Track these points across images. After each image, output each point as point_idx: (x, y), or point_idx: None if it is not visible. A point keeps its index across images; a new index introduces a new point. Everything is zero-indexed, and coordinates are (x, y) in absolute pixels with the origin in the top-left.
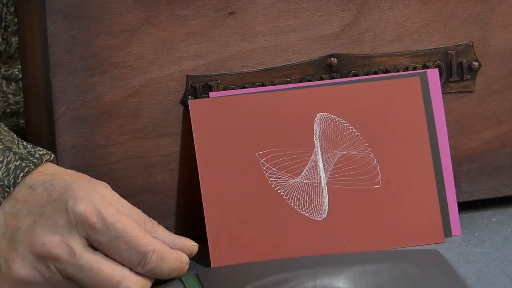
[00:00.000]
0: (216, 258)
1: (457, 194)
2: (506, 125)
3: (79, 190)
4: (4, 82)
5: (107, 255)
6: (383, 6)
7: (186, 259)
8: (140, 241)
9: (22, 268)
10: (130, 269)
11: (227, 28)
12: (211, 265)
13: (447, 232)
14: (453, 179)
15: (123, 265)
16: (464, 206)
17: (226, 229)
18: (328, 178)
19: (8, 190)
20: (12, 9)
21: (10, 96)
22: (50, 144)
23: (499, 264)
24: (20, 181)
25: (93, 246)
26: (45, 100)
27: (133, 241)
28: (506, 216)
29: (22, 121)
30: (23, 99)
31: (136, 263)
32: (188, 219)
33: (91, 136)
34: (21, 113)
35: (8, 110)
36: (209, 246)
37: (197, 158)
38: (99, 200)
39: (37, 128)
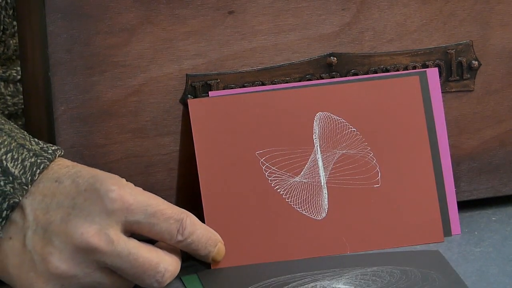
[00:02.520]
0: None
1: (456, 193)
2: (505, 124)
3: (107, 178)
4: (2, 83)
5: (146, 235)
6: (383, 5)
7: (216, 233)
8: (173, 211)
9: (61, 261)
10: (170, 242)
11: (227, 27)
12: (211, 266)
13: (447, 231)
14: (452, 178)
15: (163, 240)
16: (463, 205)
17: (226, 229)
18: (328, 177)
19: (26, 188)
20: (11, 12)
21: (8, 97)
22: (50, 143)
23: (498, 263)
24: (37, 177)
25: (131, 231)
26: (44, 99)
27: (168, 212)
28: (505, 215)
29: (20, 123)
30: (22, 99)
31: (175, 231)
32: None
33: (91, 135)
34: (19, 115)
35: (6, 112)
36: None
37: (196, 157)
38: (126, 183)
39: (37, 127)
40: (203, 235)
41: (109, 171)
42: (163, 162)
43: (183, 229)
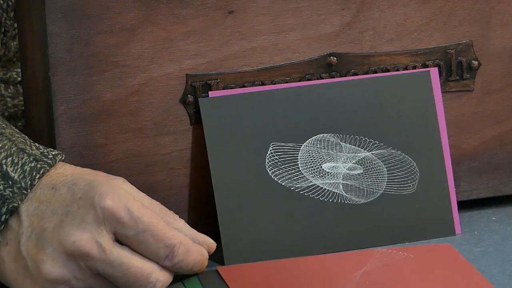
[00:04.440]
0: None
1: (456, 193)
2: (505, 124)
3: (103, 186)
4: (3, 85)
5: (134, 250)
6: (383, 5)
7: (206, 253)
8: (166, 234)
9: (53, 268)
10: (157, 263)
11: (227, 27)
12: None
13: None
14: (452, 178)
15: (150, 259)
16: (463, 205)
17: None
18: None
19: (25, 192)
20: (12, 14)
21: (8, 99)
22: (50, 143)
23: (498, 263)
24: (37, 182)
25: (119, 241)
26: (44, 99)
27: (160, 234)
28: (505, 215)
29: (19, 124)
30: (22, 101)
31: (164, 256)
32: (187, 218)
33: (91, 135)
34: (19, 116)
35: (6, 113)
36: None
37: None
38: (124, 194)
39: (37, 127)
40: (192, 260)
41: (109, 171)
42: (163, 162)
43: (173, 256)
